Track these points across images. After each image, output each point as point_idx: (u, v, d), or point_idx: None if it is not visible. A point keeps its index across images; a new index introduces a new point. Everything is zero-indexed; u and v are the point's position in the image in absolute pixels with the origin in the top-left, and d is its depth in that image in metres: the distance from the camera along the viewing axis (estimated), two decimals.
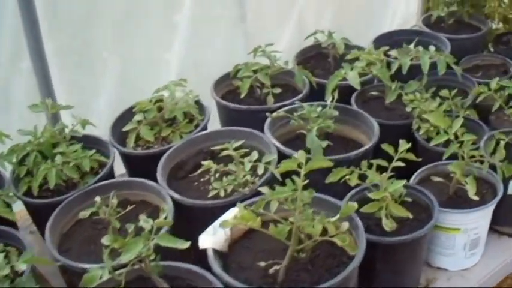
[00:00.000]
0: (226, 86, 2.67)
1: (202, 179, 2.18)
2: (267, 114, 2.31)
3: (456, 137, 2.11)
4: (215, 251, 1.79)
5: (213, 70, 2.71)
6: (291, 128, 2.35)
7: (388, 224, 1.88)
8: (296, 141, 2.33)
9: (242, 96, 2.55)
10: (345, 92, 2.48)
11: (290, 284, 1.73)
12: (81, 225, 2.08)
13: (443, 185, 2.16)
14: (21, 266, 1.77)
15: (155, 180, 2.12)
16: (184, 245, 1.64)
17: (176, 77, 2.69)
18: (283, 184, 1.71)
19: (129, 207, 2.05)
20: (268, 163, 2.06)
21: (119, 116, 2.49)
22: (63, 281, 2.05)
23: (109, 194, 1.99)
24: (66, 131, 2.37)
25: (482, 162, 2.11)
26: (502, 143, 2.18)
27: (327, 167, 1.78)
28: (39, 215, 2.22)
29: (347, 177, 1.93)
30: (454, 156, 2.12)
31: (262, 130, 2.30)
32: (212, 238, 1.80)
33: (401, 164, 1.94)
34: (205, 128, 2.42)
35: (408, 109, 2.41)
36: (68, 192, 2.16)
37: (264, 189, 1.72)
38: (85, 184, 2.18)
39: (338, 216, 1.73)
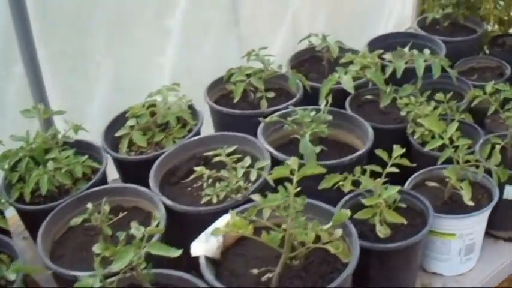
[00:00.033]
0: (219, 90, 2.66)
1: (195, 185, 2.16)
2: (260, 119, 2.29)
3: (451, 141, 2.09)
4: (207, 259, 1.78)
5: (207, 74, 2.70)
6: (284, 133, 2.33)
7: (382, 231, 1.86)
8: (290, 145, 2.31)
9: (235, 100, 2.53)
10: (339, 96, 2.47)
11: None
12: (74, 231, 2.06)
13: (438, 190, 2.14)
14: (11, 276, 1.75)
15: (148, 185, 2.11)
16: (176, 253, 1.63)
17: (170, 81, 2.67)
18: (276, 190, 1.70)
19: (121, 214, 2.04)
20: (261, 169, 2.05)
21: (111, 121, 2.48)
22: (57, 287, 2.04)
23: (101, 200, 1.98)
24: (59, 136, 2.35)
25: (477, 166, 2.09)
26: (498, 147, 2.17)
27: (321, 173, 1.76)
28: (31, 222, 2.20)
29: (340, 183, 1.91)
30: (449, 161, 2.10)
31: (255, 134, 2.28)
32: (204, 245, 1.78)
33: (396, 170, 1.92)
34: (198, 133, 2.41)
35: (403, 113, 2.40)
36: (60, 198, 2.15)
37: (256, 197, 1.70)
38: (77, 190, 2.17)
39: (331, 224, 1.71)
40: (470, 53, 3.04)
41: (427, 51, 2.59)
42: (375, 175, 1.95)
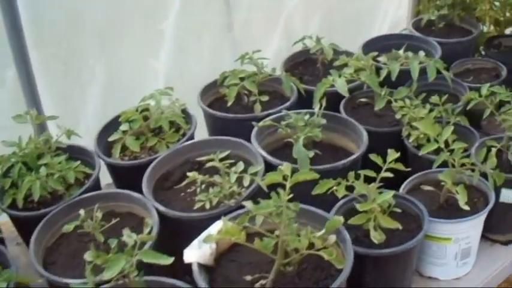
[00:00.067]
0: (213, 94, 2.64)
1: (188, 190, 2.15)
2: (254, 123, 2.28)
3: (446, 144, 2.07)
4: (200, 265, 1.76)
5: (201, 78, 2.68)
6: (278, 136, 2.32)
7: (376, 237, 1.85)
8: (284, 149, 2.30)
9: (229, 104, 2.52)
10: (333, 99, 2.45)
11: None
12: (67, 238, 2.04)
13: (433, 194, 2.13)
14: (1, 285, 1.74)
15: (142, 190, 2.09)
16: (167, 260, 1.61)
17: (163, 85, 2.67)
18: (270, 195, 1.68)
19: (113, 220, 2.01)
20: (254, 174, 2.03)
21: (104, 126, 2.47)
22: None
23: (94, 206, 1.97)
24: (52, 141, 2.33)
25: (473, 170, 2.08)
26: (494, 150, 2.16)
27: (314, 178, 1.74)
28: (24, 228, 2.19)
29: (334, 188, 1.89)
30: (445, 164, 2.09)
31: (249, 138, 2.27)
32: (197, 252, 1.76)
33: (390, 174, 1.90)
34: (192, 137, 2.39)
35: (398, 116, 2.38)
36: (53, 204, 2.13)
37: (248, 204, 1.68)
38: (71, 196, 2.15)
39: (324, 231, 1.69)
40: (466, 54, 3.03)
41: (422, 53, 2.58)
42: (370, 179, 1.94)
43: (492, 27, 3.34)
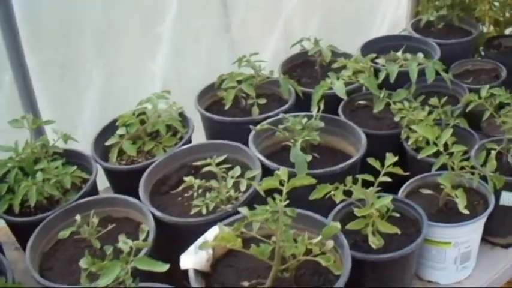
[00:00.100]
0: (210, 97, 2.62)
1: (186, 194, 2.13)
2: (251, 127, 2.26)
3: (446, 147, 2.05)
4: (197, 272, 1.74)
5: (198, 81, 2.66)
6: (276, 140, 2.30)
7: (374, 242, 1.83)
8: (282, 153, 2.28)
9: (227, 107, 2.50)
10: (332, 102, 2.43)
11: None
12: (63, 244, 2.03)
13: (433, 197, 2.10)
14: None
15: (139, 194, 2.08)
16: (163, 267, 1.60)
17: (161, 88, 2.66)
18: (267, 200, 1.66)
19: (110, 226, 2.00)
20: (251, 179, 2.01)
21: (101, 130, 2.45)
22: None
23: (91, 211, 1.97)
24: (49, 145, 2.32)
25: (473, 173, 2.06)
26: (493, 152, 2.13)
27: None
28: (21, 233, 2.18)
29: (332, 193, 1.87)
30: (444, 167, 2.07)
31: (247, 141, 2.25)
32: (193, 258, 1.75)
33: (388, 179, 1.89)
34: (189, 141, 2.37)
35: (397, 118, 2.36)
36: (50, 209, 2.13)
37: (243, 210, 1.67)
38: (67, 201, 2.14)
39: (320, 237, 1.67)
40: (466, 55, 3.00)
41: (420, 54, 2.56)
42: (368, 182, 1.92)
43: (492, 28, 3.31)
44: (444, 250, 2.04)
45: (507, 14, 3.30)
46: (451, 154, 2.05)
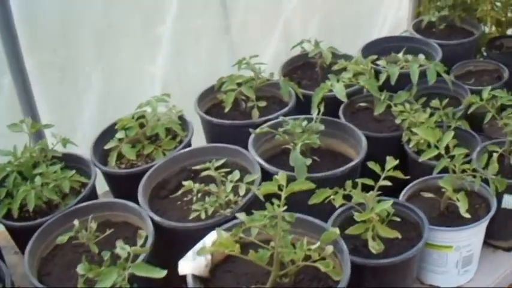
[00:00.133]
0: (210, 100, 2.61)
1: (185, 198, 2.12)
2: (251, 130, 2.24)
3: (447, 150, 2.04)
4: (195, 277, 1.73)
5: (198, 83, 2.65)
6: (276, 143, 2.28)
7: (375, 247, 1.81)
8: (282, 156, 2.27)
9: (226, 110, 2.49)
10: (332, 104, 2.42)
11: None
12: (62, 248, 2.02)
13: (434, 201, 2.09)
14: None
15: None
16: (161, 274, 1.59)
17: (161, 90, 2.66)
18: (266, 204, 1.65)
19: (108, 231, 1.99)
20: (251, 183, 2.00)
21: (101, 134, 2.44)
22: None
23: (89, 216, 1.95)
24: (48, 149, 2.31)
25: (474, 176, 2.04)
26: (495, 155, 2.12)
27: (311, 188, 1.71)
28: (20, 238, 2.17)
29: (332, 197, 1.85)
30: (445, 170, 2.05)
31: (247, 144, 2.24)
32: (192, 263, 1.73)
33: (388, 183, 1.87)
34: (188, 144, 2.36)
35: (398, 121, 2.34)
36: (49, 213, 2.11)
37: (241, 216, 1.65)
38: (66, 205, 2.13)
39: (319, 243, 1.66)
40: (467, 56, 2.99)
41: (421, 56, 2.54)
42: (368, 186, 1.90)
43: (494, 28, 3.29)
44: (446, 254, 2.02)
45: (509, 14, 3.28)
46: (452, 157, 2.03)
